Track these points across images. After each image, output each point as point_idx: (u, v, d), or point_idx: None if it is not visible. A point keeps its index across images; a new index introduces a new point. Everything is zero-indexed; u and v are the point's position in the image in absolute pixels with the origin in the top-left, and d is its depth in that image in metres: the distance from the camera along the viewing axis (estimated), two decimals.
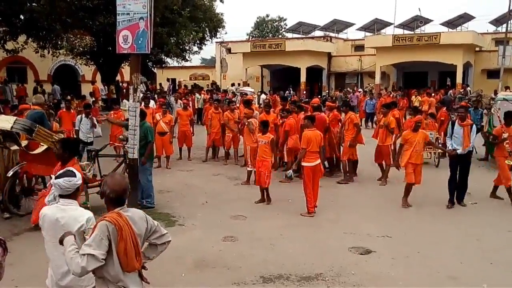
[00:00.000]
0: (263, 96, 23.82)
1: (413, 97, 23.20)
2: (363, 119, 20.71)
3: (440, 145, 12.36)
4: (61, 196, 3.62)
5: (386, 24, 37.78)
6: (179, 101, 17.30)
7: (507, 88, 24.79)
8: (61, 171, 3.74)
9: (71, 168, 3.83)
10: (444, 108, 13.91)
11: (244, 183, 10.23)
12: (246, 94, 20.84)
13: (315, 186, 8.12)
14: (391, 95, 23.35)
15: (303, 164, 8.08)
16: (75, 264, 2.99)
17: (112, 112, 12.86)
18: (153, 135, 8.83)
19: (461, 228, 7.40)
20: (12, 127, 6.73)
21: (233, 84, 29.89)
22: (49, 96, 23.05)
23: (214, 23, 26.63)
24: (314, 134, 8.12)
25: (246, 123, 10.81)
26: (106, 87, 23.65)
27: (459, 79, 29.00)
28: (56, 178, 3.62)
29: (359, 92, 26.11)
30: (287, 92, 29.66)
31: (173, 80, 37.57)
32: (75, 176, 3.64)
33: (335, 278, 5.51)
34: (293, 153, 10.55)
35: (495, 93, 22.67)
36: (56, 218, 3.51)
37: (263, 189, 8.68)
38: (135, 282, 3.25)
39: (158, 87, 32.34)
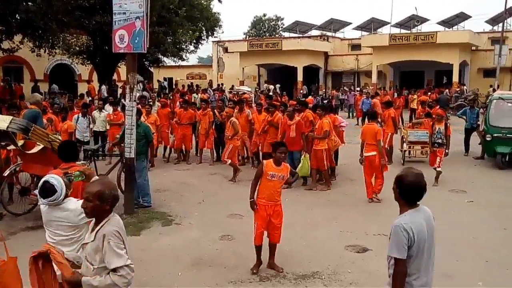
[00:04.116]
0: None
1: (410, 96, 23.34)
2: (360, 118, 20.78)
3: None
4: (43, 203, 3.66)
5: (383, 23, 37.84)
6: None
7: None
8: (39, 186, 3.68)
9: (48, 179, 3.72)
10: (438, 107, 13.97)
11: (232, 180, 10.31)
12: (244, 93, 20.85)
13: (378, 175, 8.72)
14: (386, 94, 23.43)
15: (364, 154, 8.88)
16: (121, 284, 2.91)
17: (111, 113, 12.82)
18: (152, 135, 8.80)
19: (456, 226, 7.42)
20: (8, 127, 6.71)
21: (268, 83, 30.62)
22: (45, 95, 22.97)
23: (211, 22, 26.61)
24: (369, 128, 8.92)
25: (230, 123, 10.73)
26: (107, 86, 23.58)
27: (455, 78, 29.11)
28: (39, 195, 3.60)
29: (356, 92, 26.20)
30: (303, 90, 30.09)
31: (170, 79, 37.54)
32: (55, 191, 3.60)
33: (332, 276, 5.53)
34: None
35: (494, 90, 22.84)
36: (54, 215, 3.54)
37: (273, 245, 5.79)
38: None
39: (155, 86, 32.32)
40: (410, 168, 3.37)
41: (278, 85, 29.98)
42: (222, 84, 30.83)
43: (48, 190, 3.59)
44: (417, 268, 3.17)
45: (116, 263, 2.88)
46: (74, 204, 3.66)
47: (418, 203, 3.23)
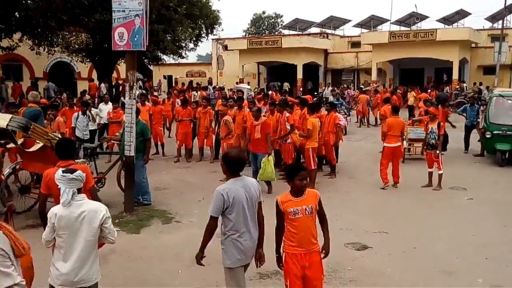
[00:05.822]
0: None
1: (408, 93, 23.33)
2: (359, 116, 20.75)
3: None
4: (73, 191, 3.63)
5: (383, 21, 37.82)
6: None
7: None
8: (64, 168, 3.81)
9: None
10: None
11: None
12: (242, 92, 20.73)
13: (396, 164, 9.51)
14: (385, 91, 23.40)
15: (384, 144, 9.58)
16: None
17: (111, 111, 12.80)
18: (149, 132, 8.80)
19: (456, 223, 7.43)
20: (7, 125, 6.70)
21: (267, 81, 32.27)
22: (44, 93, 22.97)
23: (211, 20, 26.55)
24: (395, 121, 9.67)
25: (223, 121, 10.66)
26: (106, 84, 23.55)
27: (455, 75, 29.09)
28: (69, 173, 3.59)
29: (354, 92, 26.20)
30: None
31: (170, 77, 37.50)
32: (76, 169, 3.76)
33: (332, 274, 5.53)
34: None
35: (487, 88, 22.92)
36: (75, 216, 3.50)
37: None
38: None
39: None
40: (234, 147, 4.10)
41: (286, 83, 31.37)
42: (239, 81, 30.77)
43: (71, 169, 3.67)
44: (240, 226, 4.02)
45: (4, 284, 2.66)
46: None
47: (240, 174, 4.03)
